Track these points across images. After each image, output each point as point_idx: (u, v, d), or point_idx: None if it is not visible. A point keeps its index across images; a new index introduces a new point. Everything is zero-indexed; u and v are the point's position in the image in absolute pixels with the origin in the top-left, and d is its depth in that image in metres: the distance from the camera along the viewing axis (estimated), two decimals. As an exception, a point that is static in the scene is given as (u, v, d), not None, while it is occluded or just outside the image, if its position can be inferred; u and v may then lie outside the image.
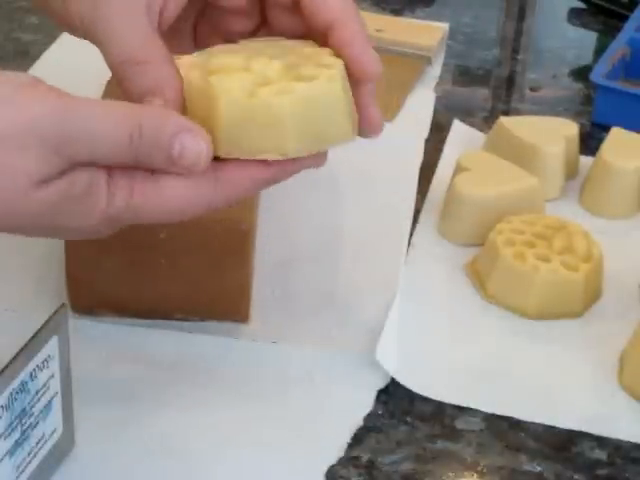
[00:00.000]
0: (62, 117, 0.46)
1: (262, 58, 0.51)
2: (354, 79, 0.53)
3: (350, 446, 0.59)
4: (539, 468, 0.59)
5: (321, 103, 0.49)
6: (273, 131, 0.49)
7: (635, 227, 0.79)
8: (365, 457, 0.58)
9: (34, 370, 0.50)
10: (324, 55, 0.52)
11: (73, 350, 0.53)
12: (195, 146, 0.48)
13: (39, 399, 0.51)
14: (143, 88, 0.51)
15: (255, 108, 0.48)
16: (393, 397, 0.62)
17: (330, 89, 0.50)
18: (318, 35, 0.55)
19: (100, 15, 0.54)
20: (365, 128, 0.54)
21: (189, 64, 0.51)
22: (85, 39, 0.56)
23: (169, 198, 0.49)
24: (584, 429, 0.61)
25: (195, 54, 0.53)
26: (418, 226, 0.77)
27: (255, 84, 0.49)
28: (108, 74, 0.79)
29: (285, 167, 0.51)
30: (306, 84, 0.49)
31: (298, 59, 0.51)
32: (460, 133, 0.89)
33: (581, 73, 1.02)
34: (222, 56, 0.51)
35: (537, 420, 0.61)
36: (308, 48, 0.53)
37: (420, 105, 0.93)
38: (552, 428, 0.61)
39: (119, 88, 0.74)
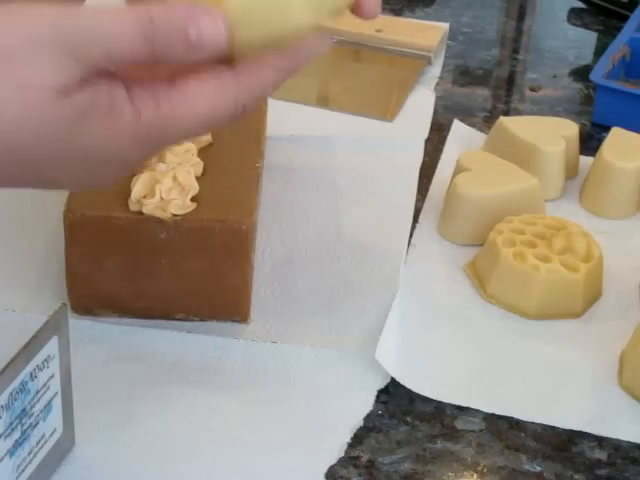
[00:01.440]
0: (69, 18, 0.44)
1: None
2: None
3: (350, 446, 0.59)
4: (539, 468, 0.59)
5: None
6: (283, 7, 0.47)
7: (635, 227, 0.79)
8: (365, 457, 0.58)
9: (34, 370, 0.50)
10: None
11: (73, 350, 0.53)
12: (211, 25, 0.45)
13: (39, 399, 0.51)
14: None
15: None
16: (393, 397, 0.62)
17: None
18: None
19: None
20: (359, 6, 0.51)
21: None
22: None
23: (196, 102, 0.46)
24: (584, 429, 0.61)
25: None
26: (418, 226, 0.77)
27: None
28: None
29: (299, 51, 0.48)
30: None
31: None
32: (460, 133, 0.89)
33: (581, 73, 1.02)
34: None
35: (537, 420, 0.61)
36: None
37: (420, 105, 0.93)
38: (552, 428, 0.61)
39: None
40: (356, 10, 0.51)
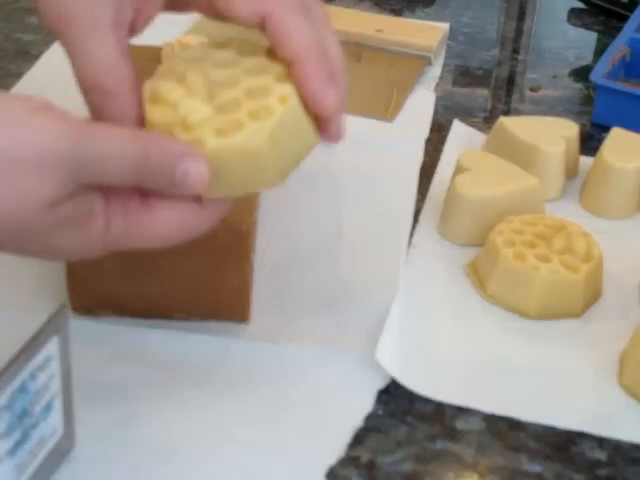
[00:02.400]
0: (77, 141, 0.48)
1: (193, 101, 0.52)
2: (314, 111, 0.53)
3: (350, 446, 0.59)
4: (539, 468, 0.59)
5: (243, 154, 0.51)
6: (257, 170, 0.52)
7: (635, 227, 0.79)
8: (365, 457, 0.58)
9: (34, 370, 0.50)
10: (271, 88, 0.52)
11: (73, 350, 0.53)
12: (197, 170, 0.50)
13: (39, 399, 0.51)
14: (105, 118, 0.52)
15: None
16: (393, 397, 0.62)
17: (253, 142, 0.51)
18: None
19: (64, 30, 0.53)
20: (324, 137, 0.55)
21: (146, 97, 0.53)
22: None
23: (161, 226, 0.52)
24: (584, 429, 0.61)
25: (159, 68, 0.54)
26: (418, 226, 0.77)
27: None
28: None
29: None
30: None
31: (240, 97, 0.52)
32: (460, 133, 0.89)
33: (581, 73, 1.02)
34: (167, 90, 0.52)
35: (537, 420, 0.61)
36: (259, 78, 0.53)
37: (420, 105, 0.94)
38: (552, 428, 0.61)
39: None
40: (325, 137, 0.55)
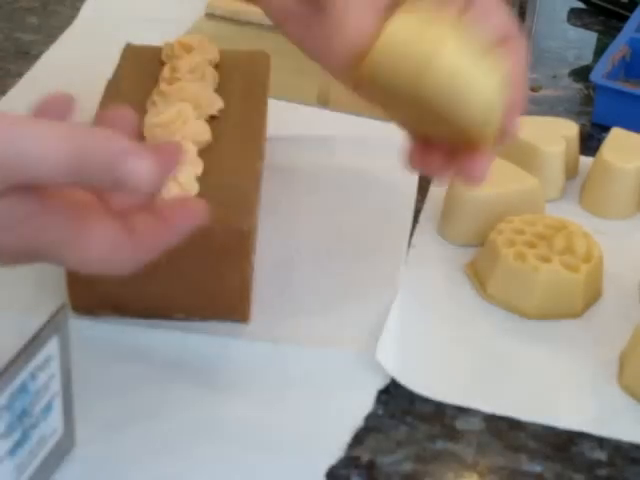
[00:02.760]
0: (3, 139, 0.45)
1: None
2: None
3: (350, 446, 0.59)
4: (539, 468, 0.59)
5: None
6: None
7: (635, 227, 0.79)
8: (365, 457, 0.58)
9: (34, 370, 0.50)
10: None
11: (73, 350, 0.53)
12: (141, 167, 0.47)
13: (39, 399, 0.51)
14: None
15: None
16: (393, 397, 0.62)
17: None
18: None
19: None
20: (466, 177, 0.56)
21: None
22: None
23: (93, 239, 0.49)
24: (584, 429, 0.61)
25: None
26: (418, 226, 0.77)
27: None
28: (108, 75, 0.79)
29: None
30: None
31: None
32: (460, 133, 0.89)
33: (581, 73, 1.02)
34: None
35: (537, 420, 0.61)
36: None
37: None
38: (552, 428, 0.61)
39: (118, 90, 0.74)
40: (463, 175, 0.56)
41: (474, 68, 0.51)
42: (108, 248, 0.50)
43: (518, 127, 0.56)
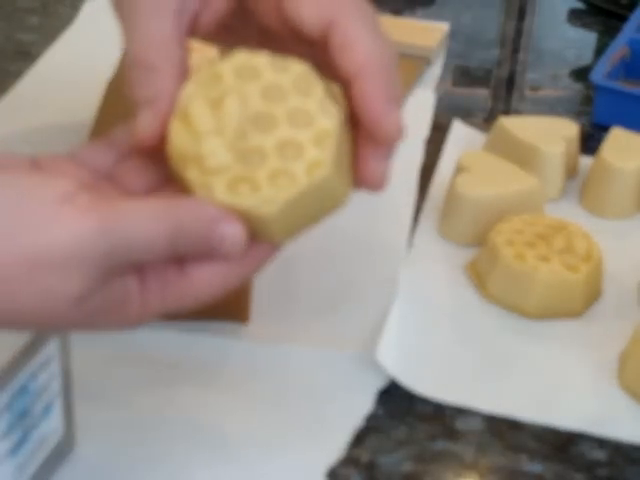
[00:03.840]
0: (103, 233, 0.45)
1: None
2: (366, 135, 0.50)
3: (350, 446, 0.59)
4: (539, 468, 0.59)
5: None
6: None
7: (635, 227, 0.79)
8: (365, 457, 0.58)
9: (34, 370, 0.50)
10: (305, 149, 0.48)
11: (73, 350, 0.53)
12: (232, 232, 0.48)
13: (40, 399, 0.51)
14: (142, 97, 0.51)
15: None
16: (393, 397, 0.62)
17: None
18: (341, 81, 0.51)
19: (128, 10, 0.52)
20: (361, 183, 0.51)
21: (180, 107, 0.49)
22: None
23: (202, 290, 0.50)
24: (584, 429, 0.61)
25: (209, 65, 0.51)
26: (418, 226, 0.77)
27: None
28: (108, 74, 0.79)
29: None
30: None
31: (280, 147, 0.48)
32: (460, 133, 0.89)
33: (581, 73, 1.02)
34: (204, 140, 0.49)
35: (537, 420, 0.61)
36: (298, 130, 0.48)
37: (420, 105, 0.93)
38: (552, 428, 0.61)
39: (118, 90, 0.74)
40: (364, 184, 0.52)
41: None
42: (221, 280, 0.51)
43: (384, 177, 0.52)
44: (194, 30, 0.54)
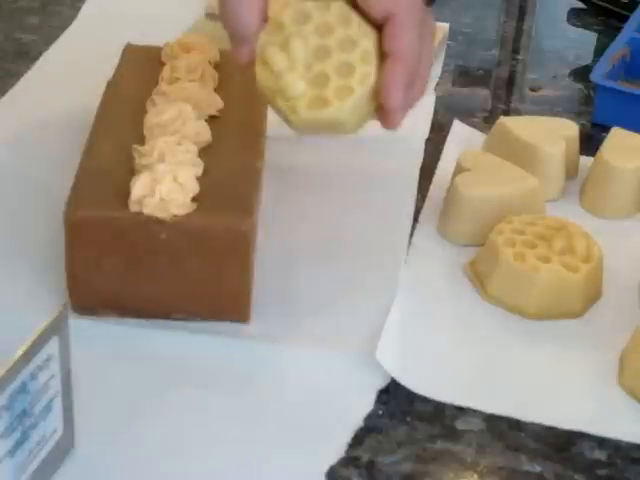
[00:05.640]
0: None
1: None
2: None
3: (350, 446, 0.59)
4: (539, 468, 0.59)
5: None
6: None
7: (635, 227, 0.79)
8: (365, 457, 0.58)
9: (34, 370, 0.50)
10: (355, 66, 0.62)
11: (73, 350, 0.53)
12: None
13: (39, 399, 0.51)
14: (239, 35, 0.63)
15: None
16: (393, 397, 0.62)
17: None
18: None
19: None
20: (381, 121, 0.64)
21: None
22: None
23: None
24: (584, 429, 0.61)
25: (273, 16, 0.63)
26: (418, 226, 0.77)
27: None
28: (108, 75, 0.79)
29: None
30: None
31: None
32: (460, 133, 0.89)
33: (581, 73, 1.02)
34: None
35: (537, 420, 0.61)
36: (348, 54, 0.62)
37: (420, 105, 0.93)
38: (552, 428, 0.61)
39: (119, 90, 0.74)
40: (382, 122, 0.64)
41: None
42: None
43: (397, 123, 0.65)
44: None
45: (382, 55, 0.62)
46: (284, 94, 0.62)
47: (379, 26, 0.63)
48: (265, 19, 0.63)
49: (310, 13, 0.63)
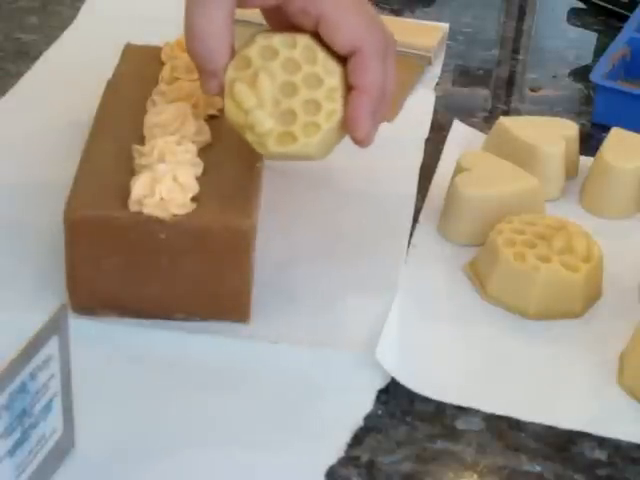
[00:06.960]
0: None
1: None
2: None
3: (350, 446, 0.59)
4: (539, 468, 0.59)
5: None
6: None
7: (635, 227, 0.79)
8: (365, 457, 0.58)
9: (34, 370, 0.50)
10: (322, 103, 0.64)
11: (73, 350, 0.53)
12: None
13: (39, 399, 0.51)
14: (207, 69, 0.65)
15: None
16: (393, 397, 0.62)
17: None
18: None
19: None
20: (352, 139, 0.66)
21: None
22: None
23: None
24: (584, 429, 0.61)
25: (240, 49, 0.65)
26: (418, 226, 0.77)
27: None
28: (108, 75, 0.79)
29: None
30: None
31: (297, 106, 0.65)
32: (460, 133, 0.89)
33: (581, 73, 1.02)
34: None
35: (537, 420, 0.61)
36: (314, 91, 0.64)
37: (420, 105, 0.93)
38: (552, 428, 0.61)
39: (118, 90, 0.74)
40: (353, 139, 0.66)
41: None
42: None
43: (367, 141, 0.66)
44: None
45: (348, 86, 0.64)
46: (253, 130, 0.64)
47: (345, 58, 0.65)
48: (232, 54, 0.65)
49: (277, 49, 0.65)
